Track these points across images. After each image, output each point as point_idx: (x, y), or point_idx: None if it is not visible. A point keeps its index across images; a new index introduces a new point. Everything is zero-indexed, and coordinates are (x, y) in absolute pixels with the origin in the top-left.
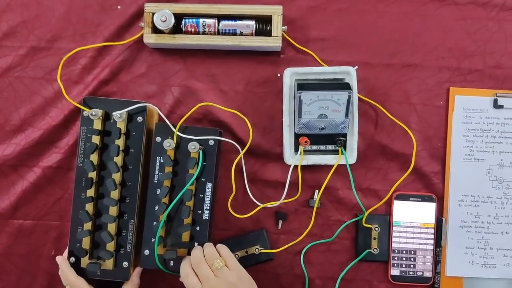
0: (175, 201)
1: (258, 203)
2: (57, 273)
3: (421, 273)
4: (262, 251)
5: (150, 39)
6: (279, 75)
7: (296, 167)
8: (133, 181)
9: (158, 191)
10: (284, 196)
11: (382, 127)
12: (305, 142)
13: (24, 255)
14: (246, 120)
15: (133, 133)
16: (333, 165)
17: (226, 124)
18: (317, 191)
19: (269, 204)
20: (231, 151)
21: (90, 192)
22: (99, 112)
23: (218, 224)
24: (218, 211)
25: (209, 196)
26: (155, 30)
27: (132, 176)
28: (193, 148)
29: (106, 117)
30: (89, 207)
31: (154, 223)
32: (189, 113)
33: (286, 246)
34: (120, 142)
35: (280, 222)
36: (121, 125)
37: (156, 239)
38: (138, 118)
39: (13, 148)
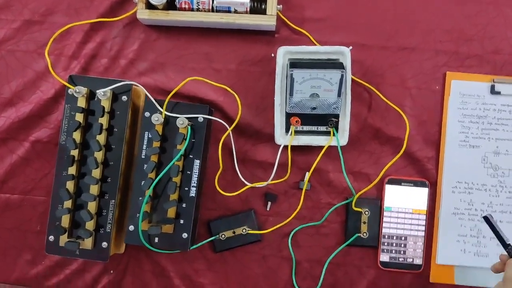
0: (161, 175)
1: (247, 183)
2: (42, 248)
3: (411, 259)
4: (249, 231)
5: (143, 15)
6: (273, 55)
7: (286, 147)
8: (116, 160)
9: (145, 166)
10: (272, 176)
11: (376, 110)
12: (296, 121)
13: (10, 230)
14: (236, 95)
15: (117, 113)
16: (328, 147)
17: (217, 103)
18: (307, 173)
19: (257, 184)
20: (222, 130)
21: (72, 170)
22: (83, 89)
23: (207, 204)
24: (207, 190)
25: (197, 173)
26: (149, 6)
27: (115, 155)
28: (181, 123)
29: (91, 96)
30: (70, 185)
31: (140, 198)
32: (177, 88)
33: (274, 227)
34: (103, 120)
35: (269, 203)
36: (105, 103)
37: (141, 214)
38: (123, 97)
39: (3, 122)
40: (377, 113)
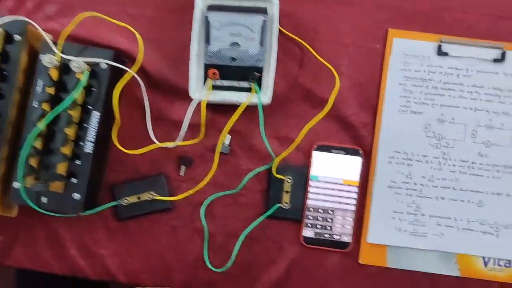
0: (46, 121)
1: (156, 142)
2: None
3: (339, 236)
4: (156, 197)
5: None
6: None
7: (207, 105)
8: (4, 108)
9: (33, 115)
10: (182, 135)
11: (307, 68)
12: (214, 74)
13: None
14: (136, 33)
15: (11, 56)
16: (253, 108)
17: (130, 53)
18: (228, 136)
19: (167, 144)
20: (138, 85)
21: None
22: None
23: (114, 167)
24: (116, 152)
25: (95, 127)
26: None
27: (5, 104)
28: (77, 67)
29: None
30: None
31: None
32: (71, 25)
33: (185, 194)
34: None
35: (183, 167)
36: None
37: (21, 165)
38: (16, 37)
39: None
40: (309, 72)
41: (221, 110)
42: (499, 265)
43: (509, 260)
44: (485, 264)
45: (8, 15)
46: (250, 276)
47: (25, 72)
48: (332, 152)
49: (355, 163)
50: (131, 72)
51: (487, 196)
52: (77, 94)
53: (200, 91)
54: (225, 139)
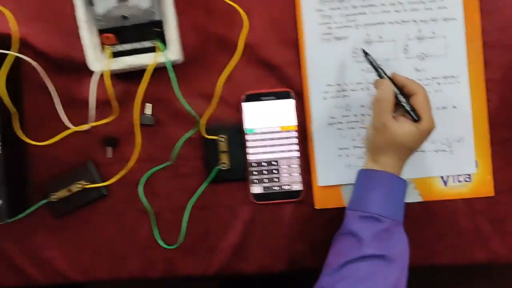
0: None
1: (71, 126)
2: None
3: (288, 186)
4: (87, 186)
5: None
6: None
7: (115, 75)
8: None
9: None
10: (92, 115)
11: (216, 13)
12: (107, 38)
13: None
14: (3, 9)
15: None
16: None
17: (21, 36)
18: (149, 104)
19: (82, 127)
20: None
21: None
22: None
23: (36, 162)
24: (36, 149)
25: None
26: None
27: None
28: None
29: None
30: None
31: None
32: None
33: (117, 177)
34: None
35: (109, 149)
36: None
37: None
38: None
39: None
40: (218, 18)
41: (133, 78)
42: (459, 181)
43: (469, 175)
44: (445, 183)
45: None
46: (208, 246)
47: None
48: (262, 100)
49: (288, 106)
50: (13, 54)
51: (433, 112)
52: None
53: (100, 61)
54: (146, 108)
